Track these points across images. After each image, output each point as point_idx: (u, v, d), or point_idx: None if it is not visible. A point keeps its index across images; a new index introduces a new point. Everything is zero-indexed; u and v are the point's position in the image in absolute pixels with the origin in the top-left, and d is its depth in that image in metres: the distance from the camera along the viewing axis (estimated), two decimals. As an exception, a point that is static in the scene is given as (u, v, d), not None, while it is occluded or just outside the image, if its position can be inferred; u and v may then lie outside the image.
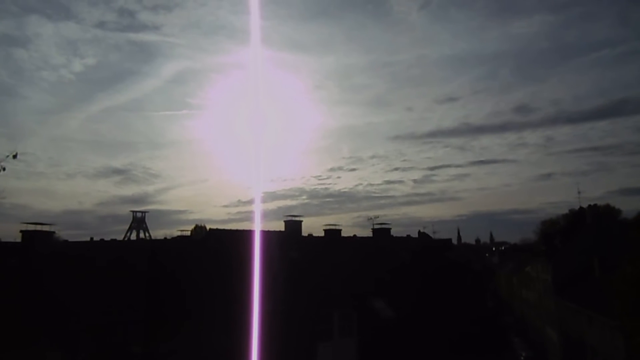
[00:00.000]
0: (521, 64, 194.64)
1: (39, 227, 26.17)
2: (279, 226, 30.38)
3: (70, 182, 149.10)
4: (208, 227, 38.91)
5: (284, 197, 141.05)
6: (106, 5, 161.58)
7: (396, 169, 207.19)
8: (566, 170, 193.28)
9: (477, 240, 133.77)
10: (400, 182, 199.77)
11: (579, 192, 61.98)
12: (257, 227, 18.18)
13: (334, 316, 24.21)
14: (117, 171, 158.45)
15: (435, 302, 26.85)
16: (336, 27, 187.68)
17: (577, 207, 55.99)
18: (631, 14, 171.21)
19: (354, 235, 34.61)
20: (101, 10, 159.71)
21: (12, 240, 25.73)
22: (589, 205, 43.21)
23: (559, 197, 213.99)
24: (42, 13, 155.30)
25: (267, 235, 23.98)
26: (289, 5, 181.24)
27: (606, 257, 32.63)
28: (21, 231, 25.72)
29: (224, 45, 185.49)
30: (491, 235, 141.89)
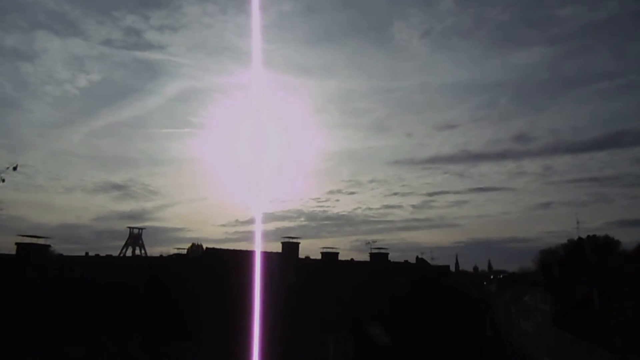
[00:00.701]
0: (521, 93, 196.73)
1: (34, 240, 26.06)
2: (276, 247, 30.26)
3: (68, 196, 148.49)
4: (205, 245, 38.77)
5: (282, 218, 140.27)
6: (114, 23, 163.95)
7: (395, 193, 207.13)
8: (565, 200, 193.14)
9: (475, 268, 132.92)
10: (399, 207, 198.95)
11: (577, 222, 62.08)
12: (258, 248, 18.18)
13: (329, 341, 23.95)
14: (116, 186, 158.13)
15: (432, 329, 26.59)
16: (339, 52, 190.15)
17: (576, 237, 55.94)
18: (628, 48, 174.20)
19: (352, 259, 34.47)
20: (108, 28, 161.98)
21: (6, 252, 25.61)
22: (588, 236, 43.34)
23: (557, 226, 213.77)
24: (50, 29, 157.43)
25: (265, 256, 23.92)
26: (293, 29, 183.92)
27: (605, 289, 32.51)
28: (16, 243, 25.63)
29: (228, 66, 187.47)
30: (489, 263, 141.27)
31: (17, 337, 17.52)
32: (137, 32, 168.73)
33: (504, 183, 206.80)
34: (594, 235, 43.31)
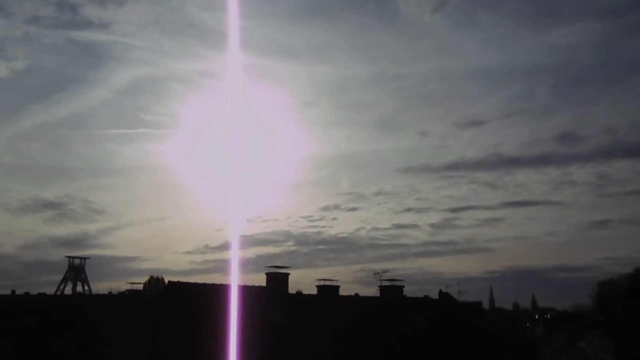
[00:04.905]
0: (564, 81, 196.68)
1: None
2: (260, 280, 30.26)
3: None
4: (167, 279, 38.68)
5: (264, 242, 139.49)
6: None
7: (409, 209, 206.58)
8: (626, 216, 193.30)
9: (516, 305, 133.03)
10: (414, 226, 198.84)
11: (644, 246, 62.02)
12: (235, 282, 18.28)
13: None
14: (50, 205, 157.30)
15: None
16: (333, 30, 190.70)
17: (643, 265, 56.22)
18: None
19: (356, 295, 34.51)
20: (35, 2, 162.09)
21: None
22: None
23: (618, 251, 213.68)
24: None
25: (245, 292, 23.92)
26: (275, 1, 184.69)
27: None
28: None
29: (192, 48, 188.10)
30: (533, 298, 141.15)
31: None
32: (72, 7, 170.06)
33: (548, 195, 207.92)
34: (666, 262, 43.45)
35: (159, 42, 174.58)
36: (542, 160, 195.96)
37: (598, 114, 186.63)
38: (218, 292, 24.01)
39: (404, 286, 34.34)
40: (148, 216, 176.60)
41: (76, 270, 67.36)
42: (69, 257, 68.16)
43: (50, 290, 58.35)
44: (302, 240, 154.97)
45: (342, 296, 32.29)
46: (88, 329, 22.78)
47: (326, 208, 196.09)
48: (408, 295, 35.04)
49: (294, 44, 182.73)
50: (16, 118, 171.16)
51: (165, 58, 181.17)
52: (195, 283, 27.52)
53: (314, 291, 31.89)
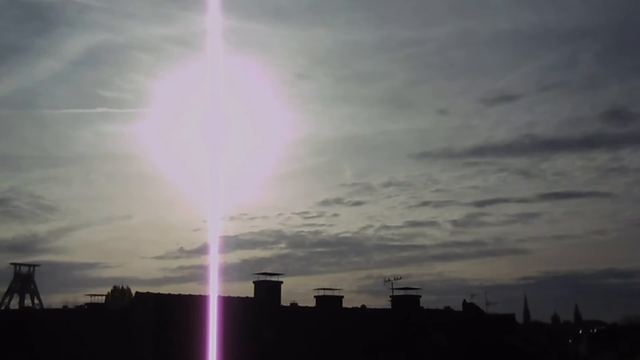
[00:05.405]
0: (614, 47, 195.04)
1: None
2: (246, 290, 30.19)
3: None
4: (133, 289, 38.71)
5: (251, 244, 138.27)
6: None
7: (425, 203, 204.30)
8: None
9: (555, 318, 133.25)
10: (431, 223, 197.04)
11: None
12: (214, 292, 18.16)
13: None
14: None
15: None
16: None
17: None
18: None
19: (363, 307, 34.52)
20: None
21: None
22: None
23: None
24: None
25: (228, 304, 23.83)
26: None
27: None
28: None
29: (162, 9, 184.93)
30: (577, 309, 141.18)
31: None
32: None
33: (594, 186, 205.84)
34: None
35: (120, 1, 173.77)
36: (587, 143, 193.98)
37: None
38: (195, 305, 23.94)
39: (420, 296, 34.45)
40: (110, 214, 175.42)
41: (24, 280, 67.22)
42: (15, 265, 68.03)
43: (-7, 304, 58.42)
44: (296, 241, 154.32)
45: (346, 308, 32.42)
46: (38, 351, 22.68)
47: (325, 202, 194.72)
48: (425, 307, 35.09)
49: (284, 4, 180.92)
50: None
51: (129, 22, 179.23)
52: (168, 294, 27.49)
53: (312, 303, 31.98)
